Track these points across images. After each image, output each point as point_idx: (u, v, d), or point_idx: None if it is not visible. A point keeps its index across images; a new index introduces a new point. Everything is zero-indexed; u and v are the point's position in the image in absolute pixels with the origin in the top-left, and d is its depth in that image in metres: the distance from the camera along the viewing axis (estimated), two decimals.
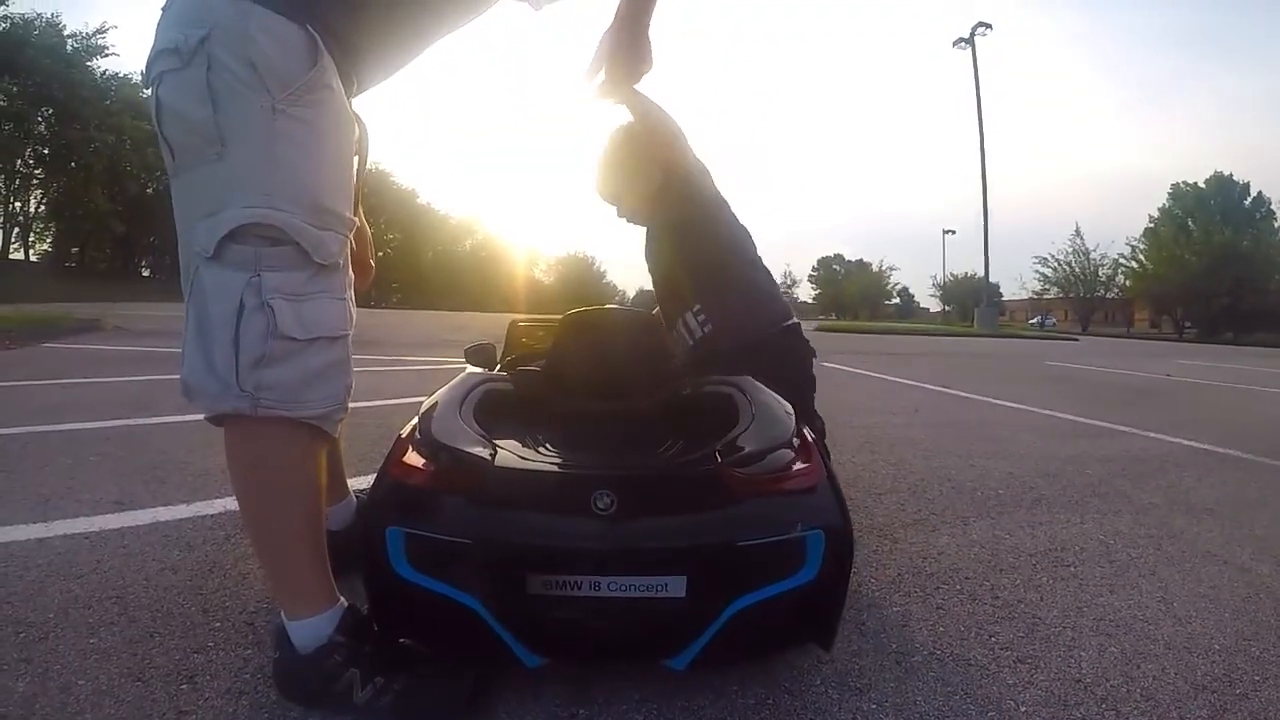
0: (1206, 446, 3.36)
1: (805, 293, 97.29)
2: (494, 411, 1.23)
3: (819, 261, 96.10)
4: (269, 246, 1.00)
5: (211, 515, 1.95)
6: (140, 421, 3.09)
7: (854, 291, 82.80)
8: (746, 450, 1.08)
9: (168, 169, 1.06)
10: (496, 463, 1.04)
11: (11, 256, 35.45)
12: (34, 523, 1.83)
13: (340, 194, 1.09)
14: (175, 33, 1.00)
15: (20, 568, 1.56)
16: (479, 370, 1.37)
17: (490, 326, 12.87)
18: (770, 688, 1.23)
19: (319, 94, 1.04)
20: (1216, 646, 1.41)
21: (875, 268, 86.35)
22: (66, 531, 1.78)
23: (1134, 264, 42.27)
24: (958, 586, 1.69)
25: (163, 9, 1.05)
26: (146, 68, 1.05)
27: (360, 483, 2.21)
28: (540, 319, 2.13)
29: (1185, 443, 3.46)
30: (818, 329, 20.75)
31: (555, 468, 1.08)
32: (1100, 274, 44.78)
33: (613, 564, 1.03)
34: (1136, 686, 1.26)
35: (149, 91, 1.05)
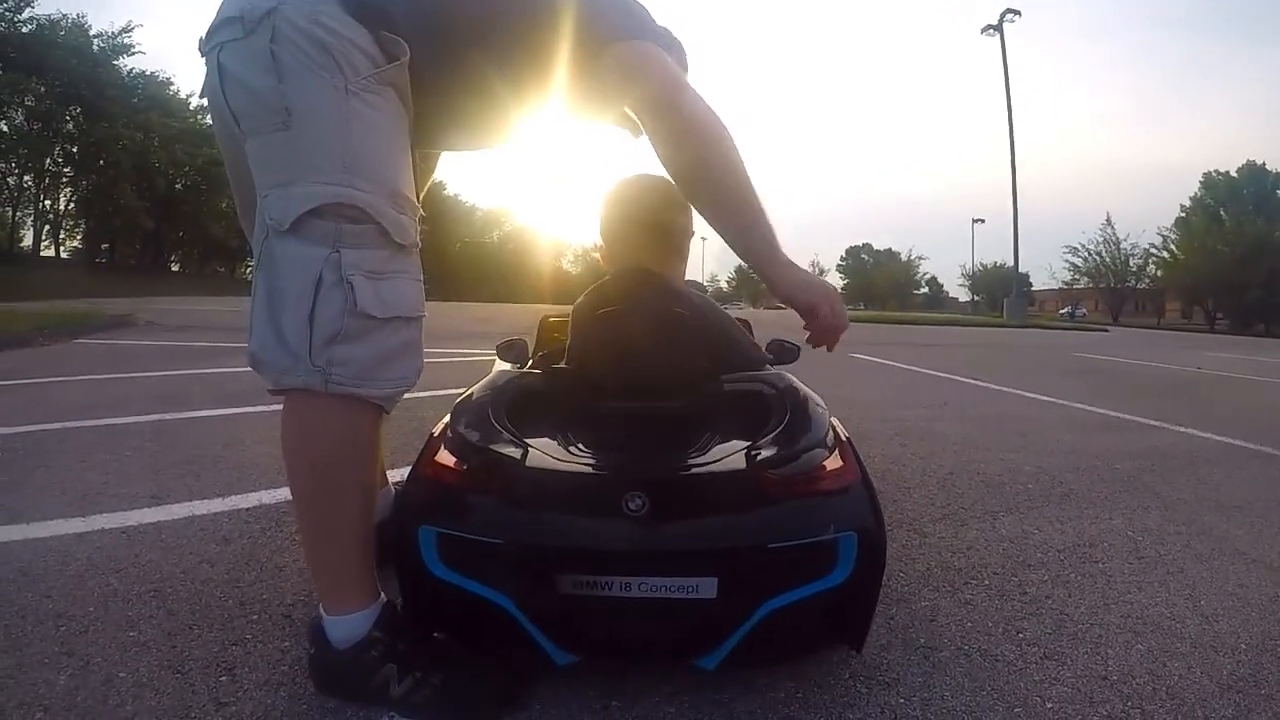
0: (1237, 442, 3.31)
1: (833, 282, 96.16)
2: (525, 409, 1.23)
3: (847, 251, 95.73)
4: (350, 224, 1.00)
5: (246, 509, 2.00)
6: (174, 416, 3.17)
7: (882, 281, 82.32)
8: (779, 451, 1.08)
9: (232, 139, 1.08)
10: (527, 463, 1.05)
11: (43, 254, 36.16)
12: (72, 517, 1.87)
13: (411, 182, 1.10)
14: (241, 3, 1.01)
15: (60, 562, 1.61)
16: (509, 368, 1.39)
17: (518, 319, 12.89)
18: (799, 681, 1.26)
19: (388, 90, 1.06)
20: (1243, 646, 1.40)
21: (904, 257, 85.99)
22: (104, 526, 1.83)
23: (1165, 254, 41.57)
24: (986, 582, 1.71)
25: None
26: (206, 36, 1.05)
27: (395, 475, 2.29)
28: (564, 312, 2.16)
29: (1216, 438, 3.42)
30: None
31: (586, 469, 1.08)
32: (1131, 264, 44.21)
33: (643, 565, 1.04)
34: (1162, 685, 1.27)
35: (207, 61, 1.05)
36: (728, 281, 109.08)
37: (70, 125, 35.25)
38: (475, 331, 9.57)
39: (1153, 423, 3.87)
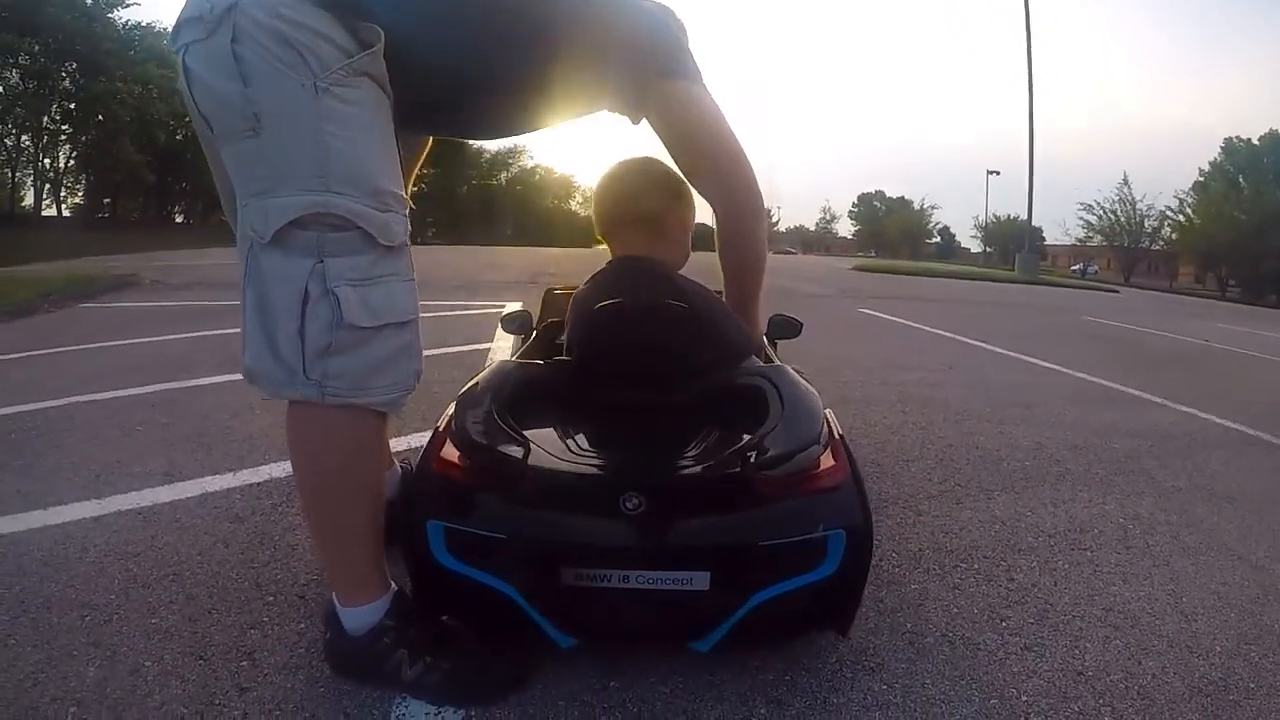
0: (1237, 427, 3.32)
1: (845, 228, 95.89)
2: (526, 402, 1.26)
3: (859, 198, 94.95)
4: (332, 232, 0.98)
5: (257, 484, 2.05)
6: (182, 385, 3.19)
7: (894, 229, 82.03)
8: (773, 452, 1.11)
9: (208, 140, 1.06)
10: (530, 462, 1.08)
11: (45, 214, 35.70)
12: (88, 499, 1.90)
13: (394, 175, 1.07)
14: (200, 1, 0.97)
15: (79, 548, 1.64)
16: (511, 360, 1.40)
17: (528, 264, 12.76)
18: (790, 664, 1.32)
19: (363, 79, 1.01)
20: (1218, 648, 1.44)
21: (917, 206, 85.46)
22: (120, 508, 1.87)
23: (1181, 218, 40.91)
24: (975, 566, 1.76)
25: None
26: (172, 35, 1.02)
27: (397, 444, 2.33)
28: (575, 288, 2.18)
29: (1217, 420, 3.42)
30: (855, 268, 20.39)
31: (587, 468, 1.12)
32: (1146, 225, 43.60)
33: (640, 560, 1.10)
34: (1135, 684, 1.31)
35: (178, 59, 1.02)
36: None
37: (67, 82, 34.60)
38: (484, 280, 9.51)
39: (1156, 399, 3.88)
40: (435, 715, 1.14)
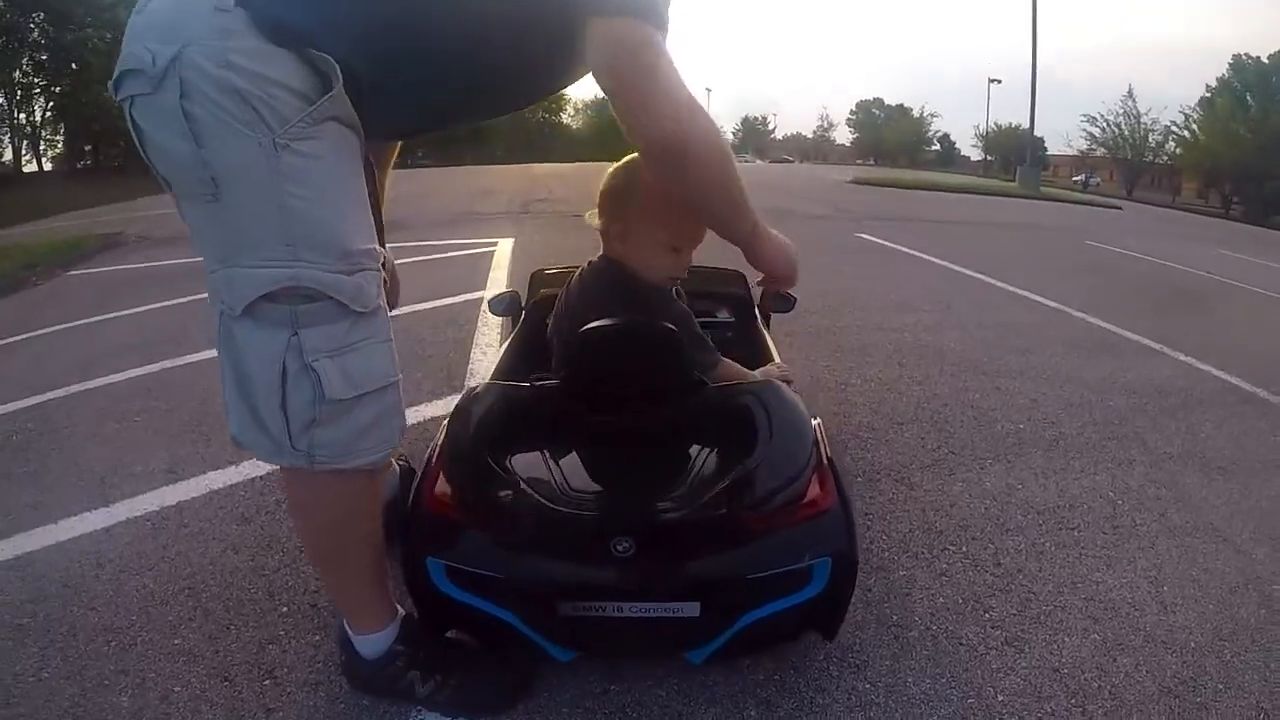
0: (1234, 381, 3.28)
1: (843, 136, 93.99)
2: (514, 430, 1.26)
3: (858, 105, 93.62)
4: (304, 303, 0.95)
5: (259, 477, 2.08)
6: (176, 363, 3.16)
7: (893, 138, 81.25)
8: (759, 489, 1.13)
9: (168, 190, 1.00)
10: (520, 504, 1.11)
11: (26, 170, 34.20)
12: (96, 508, 1.93)
13: (364, 228, 1.02)
14: (140, 48, 0.89)
15: (94, 565, 1.68)
16: (493, 384, 1.38)
17: (520, 188, 12.44)
18: (778, 662, 1.38)
19: (324, 126, 0.94)
20: (1192, 644, 1.48)
21: (916, 114, 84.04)
22: (128, 515, 1.90)
23: (1186, 133, 39.84)
24: (964, 549, 1.80)
25: (135, 10, 0.93)
26: (113, 84, 0.93)
27: (411, 414, 2.32)
28: (563, 268, 2.14)
29: (1215, 373, 3.38)
30: (852, 181, 19.95)
31: (577, 510, 1.13)
32: (1150, 140, 42.73)
33: (631, 595, 1.15)
34: (1108, 682, 1.36)
35: (125, 111, 0.94)
36: (734, 132, 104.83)
37: (36, 34, 32.66)
38: (473, 211, 9.27)
39: (1154, 346, 3.85)
40: None
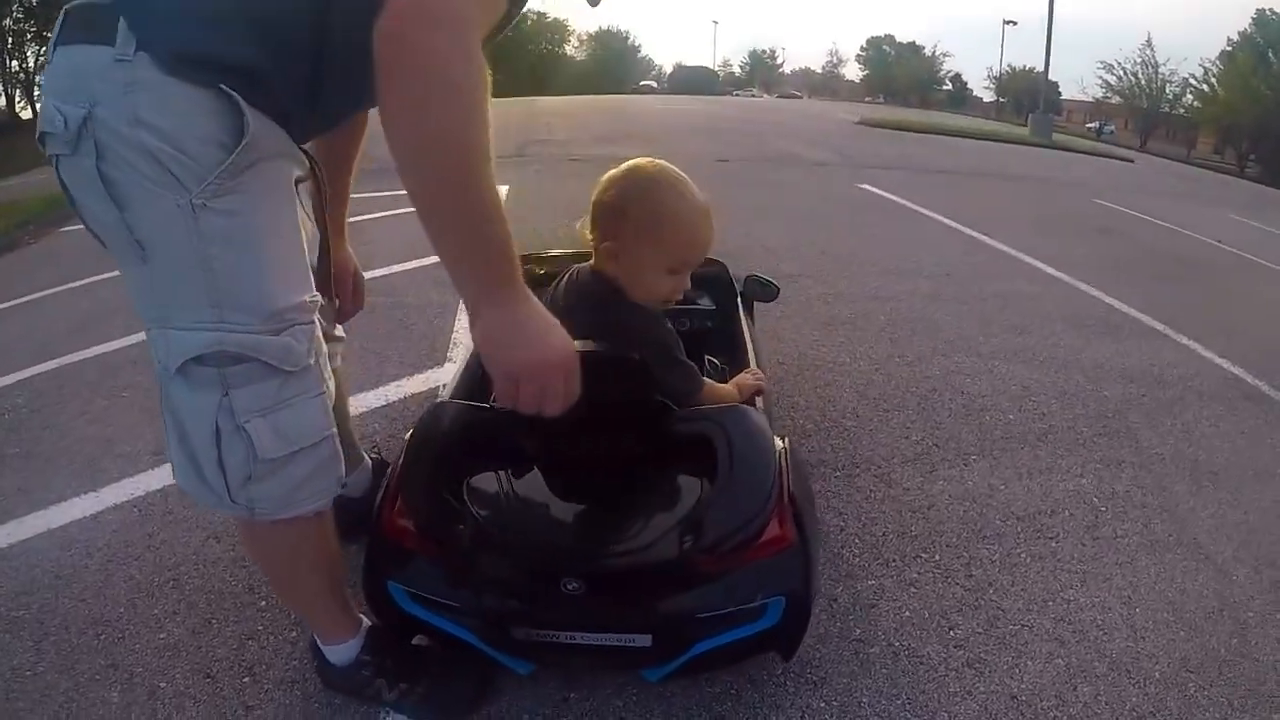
0: (1236, 372, 3.18)
1: (852, 72, 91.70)
2: (473, 452, 1.25)
3: (868, 41, 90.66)
4: (232, 365, 0.95)
5: None
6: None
7: (904, 76, 79.21)
8: (713, 532, 1.10)
9: None
10: (474, 540, 1.12)
11: (23, 117, 32.93)
12: (84, 493, 1.95)
13: (295, 280, 0.99)
14: (51, 107, 0.86)
15: (83, 555, 1.70)
16: (452, 404, 1.32)
17: (517, 126, 12.01)
18: (736, 676, 1.37)
19: (245, 175, 0.90)
20: (1157, 674, 1.45)
21: (928, 53, 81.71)
22: (115, 501, 1.92)
23: (1205, 87, 38.51)
24: (936, 557, 1.77)
25: (48, 62, 0.90)
26: (39, 140, 0.90)
27: (376, 395, 2.36)
28: (547, 255, 2.06)
29: (1216, 362, 3.28)
30: (860, 122, 19.32)
31: (529, 548, 1.14)
32: (1168, 91, 41.46)
33: (583, 627, 1.16)
34: (1065, 712, 1.35)
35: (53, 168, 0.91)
36: (740, 66, 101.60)
37: None
38: None
39: (1157, 326, 3.74)
40: None
